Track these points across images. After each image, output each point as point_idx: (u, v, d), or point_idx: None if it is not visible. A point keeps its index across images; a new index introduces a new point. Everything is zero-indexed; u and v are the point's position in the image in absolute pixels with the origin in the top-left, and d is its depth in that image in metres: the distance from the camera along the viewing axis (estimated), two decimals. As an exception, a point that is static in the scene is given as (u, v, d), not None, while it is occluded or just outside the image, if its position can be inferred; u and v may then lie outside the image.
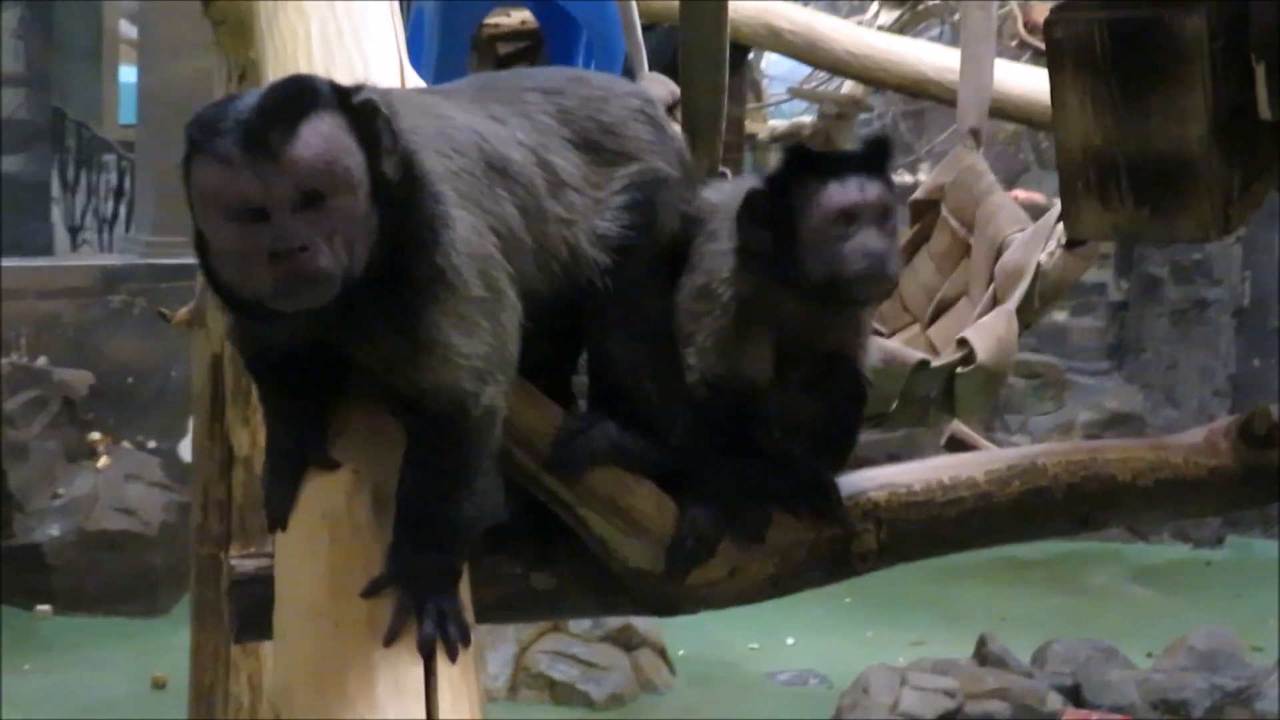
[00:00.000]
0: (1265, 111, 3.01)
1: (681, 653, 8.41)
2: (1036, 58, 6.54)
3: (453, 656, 2.07)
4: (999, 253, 5.13)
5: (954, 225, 5.37)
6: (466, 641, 2.10)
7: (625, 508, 2.40)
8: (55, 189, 12.96)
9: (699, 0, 4.46)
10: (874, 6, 10.74)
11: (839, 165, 2.47)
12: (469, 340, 2.08)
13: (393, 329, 2.07)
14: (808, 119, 12.21)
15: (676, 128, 2.60)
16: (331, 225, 1.96)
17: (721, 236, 2.50)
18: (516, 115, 2.29)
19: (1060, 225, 5.00)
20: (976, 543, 2.81)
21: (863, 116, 12.68)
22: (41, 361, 9.16)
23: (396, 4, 2.81)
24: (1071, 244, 5.04)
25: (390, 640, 2.05)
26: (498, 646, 7.86)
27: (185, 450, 9.40)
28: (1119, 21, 2.98)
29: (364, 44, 2.66)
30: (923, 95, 6.58)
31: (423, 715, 1.97)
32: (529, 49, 7.12)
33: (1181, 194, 3.01)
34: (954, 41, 7.98)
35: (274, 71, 2.70)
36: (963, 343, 4.74)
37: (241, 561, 2.41)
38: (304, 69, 2.63)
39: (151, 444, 9.27)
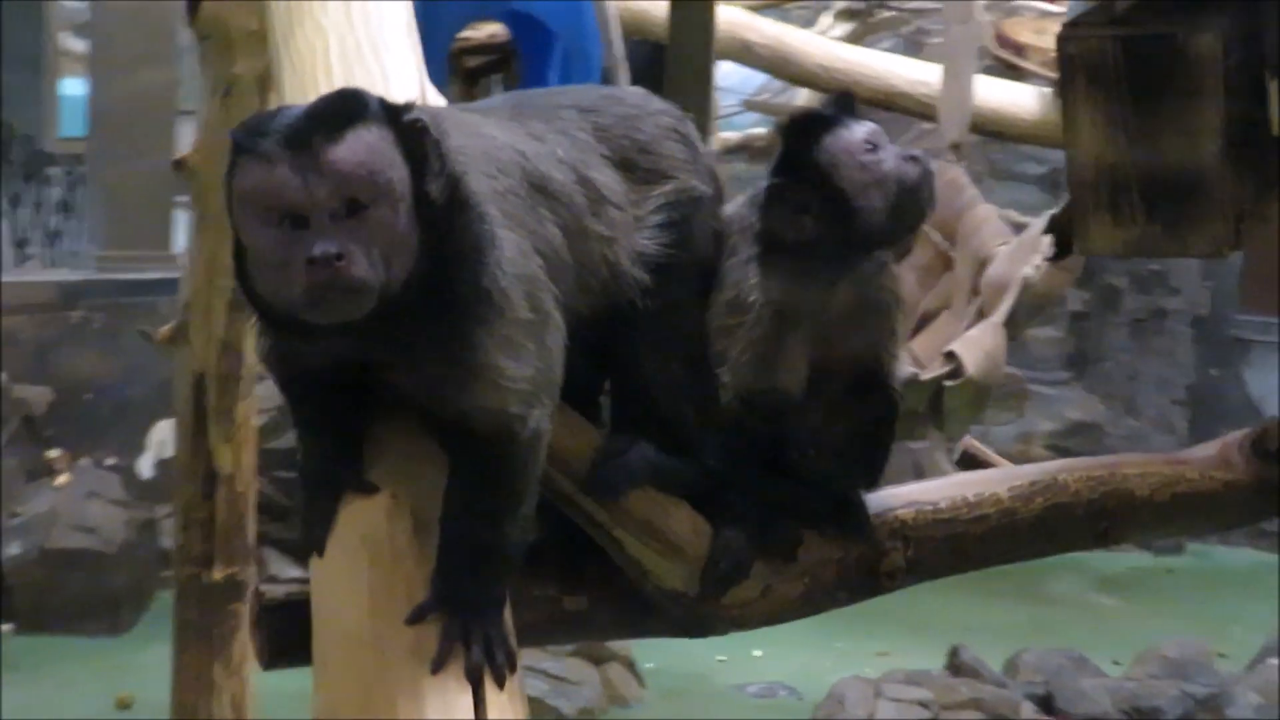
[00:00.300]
0: (1277, 128, 3.03)
1: (650, 666, 8.38)
2: (1005, 71, 6.56)
3: (500, 683, 2.05)
4: (983, 266, 5.17)
5: (936, 239, 5.40)
6: (513, 667, 2.08)
7: (661, 529, 2.38)
8: (3, 203, 12.83)
9: (687, 14, 4.49)
10: (826, 19, 10.76)
11: (826, 120, 2.48)
12: (516, 363, 2.05)
13: (438, 352, 2.04)
14: (761, 131, 12.22)
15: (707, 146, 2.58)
16: (372, 237, 1.93)
17: (740, 249, 2.49)
18: (555, 132, 2.27)
19: (1045, 238, 5.04)
20: (1001, 559, 2.80)
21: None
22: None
23: (413, 18, 2.78)
24: (1056, 257, 5.09)
25: (438, 668, 2.02)
26: (466, 662, 7.80)
27: (145, 467, 9.32)
28: (1132, 39, 2.99)
29: (384, 59, 2.63)
30: (895, 108, 6.60)
31: (474, 743, 1.96)
32: (498, 63, 7.09)
33: (1194, 210, 3.03)
34: (907, 54, 8.02)
35: (291, 87, 2.66)
36: (950, 356, 4.77)
37: (271, 587, 2.37)
38: (323, 84, 2.60)
39: (111, 461, 9.17)
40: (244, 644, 4.87)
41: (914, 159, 2.46)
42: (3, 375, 9.04)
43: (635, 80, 5.88)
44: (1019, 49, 6.38)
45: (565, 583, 2.46)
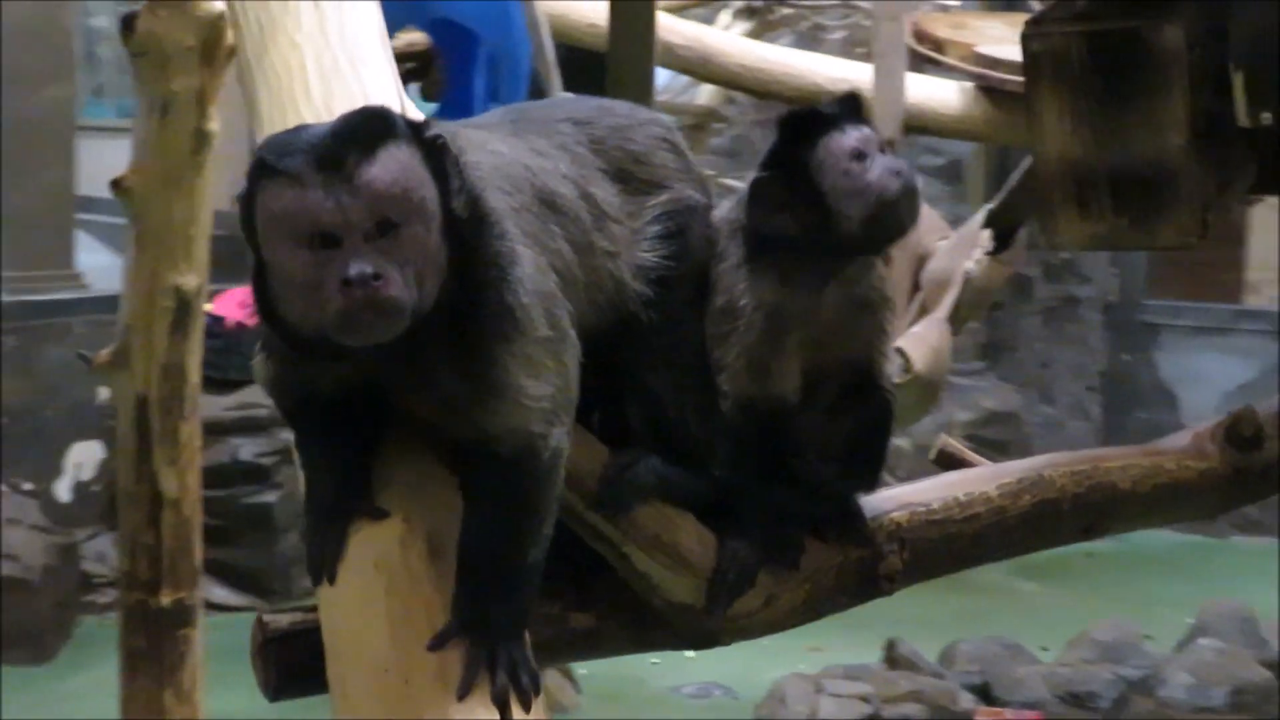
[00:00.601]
0: (1243, 119, 3.06)
1: (584, 671, 8.36)
2: (923, 67, 6.58)
3: (526, 707, 2.03)
4: (922, 262, 5.20)
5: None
6: (538, 690, 2.05)
7: (670, 543, 2.37)
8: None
9: (628, 17, 4.47)
10: (725, 18, 10.79)
11: (828, 117, 2.47)
12: (537, 381, 2.03)
13: (458, 371, 2.01)
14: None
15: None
16: (405, 256, 1.90)
17: (730, 253, 2.49)
18: (555, 148, 2.25)
19: (984, 233, 5.08)
20: (992, 556, 2.82)
21: (715, 126, 12.72)
22: (-87, 403, 8.90)
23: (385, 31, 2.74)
24: (995, 251, 5.13)
25: (464, 694, 1.99)
26: (401, 675, 7.74)
27: (63, 490, 9.17)
28: (1096, 34, 3.02)
29: (363, 74, 2.59)
30: (819, 106, 6.61)
31: (504, 767, 1.93)
32: (416, 70, 7.03)
33: (1161, 202, 3.06)
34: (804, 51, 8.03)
35: (269, 107, 2.62)
36: (898, 353, 4.79)
37: (275, 618, 2.34)
38: (302, 102, 2.56)
39: (28, 486, 9.01)
40: (194, 670, 4.80)
41: (898, 174, 2.45)
42: (-87, 402, 8.86)
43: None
44: (937, 44, 6.39)
45: (572, 601, 2.44)
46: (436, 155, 1.95)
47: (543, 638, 2.42)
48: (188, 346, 4.58)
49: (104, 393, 9.16)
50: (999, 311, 10.47)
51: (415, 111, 2.73)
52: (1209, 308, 11.18)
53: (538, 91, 5.78)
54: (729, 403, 2.44)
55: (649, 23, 4.46)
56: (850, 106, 2.47)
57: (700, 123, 11.50)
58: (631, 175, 2.34)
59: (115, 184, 4.42)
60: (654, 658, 8.58)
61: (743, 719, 7.32)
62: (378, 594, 2.09)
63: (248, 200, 1.94)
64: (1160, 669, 7.42)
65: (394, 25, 6.60)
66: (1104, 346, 10.78)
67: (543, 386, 2.03)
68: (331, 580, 2.15)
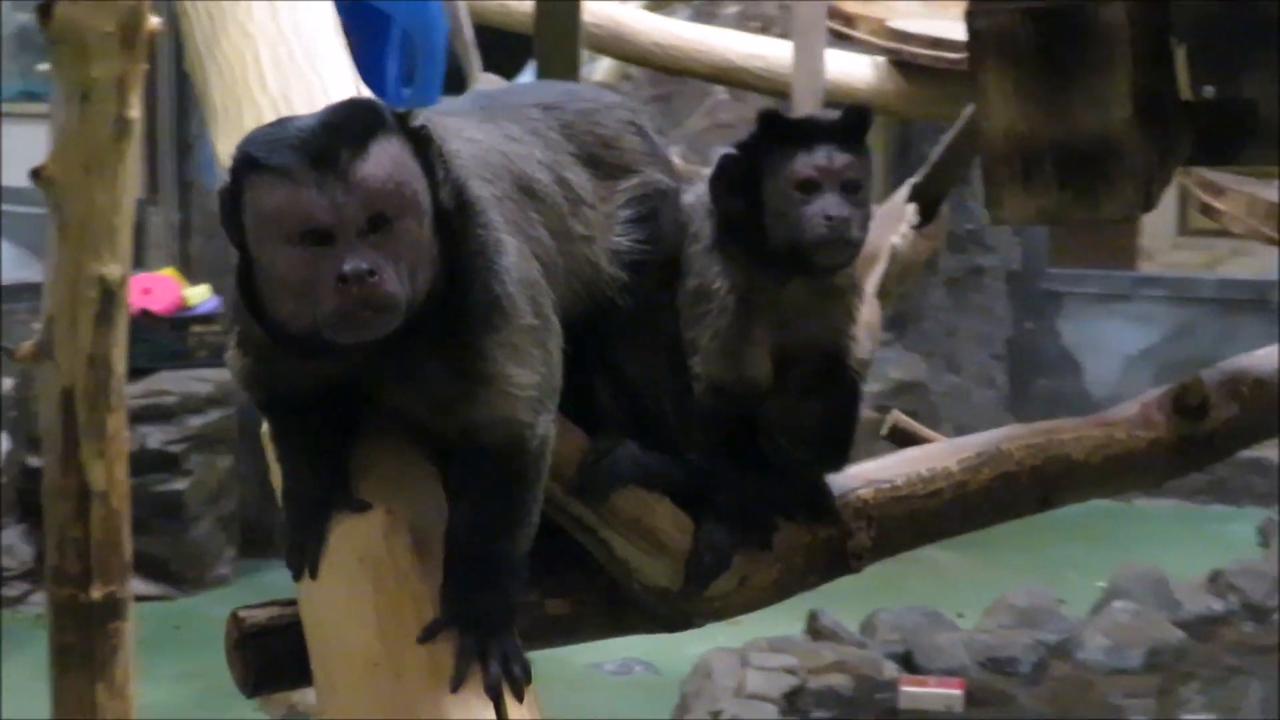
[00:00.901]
0: (1186, 92, 3.11)
1: (504, 652, 8.34)
2: (835, 42, 6.59)
3: (520, 697, 2.02)
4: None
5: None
6: (529, 679, 2.05)
7: (649, 528, 2.37)
8: None
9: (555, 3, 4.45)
10: (621, -7, 10.79)
11: (811, 133, 2.47)
12: (524, 370, 2.02)
13: (445, 363, 1.99)
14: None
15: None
16: (398, 251, 1.88)
17: (703, 235, 2.49)
18: (528, 133, 2.23)
19: (909, 207, 5.11)
20: (955, 531, 2.85)
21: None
22: None
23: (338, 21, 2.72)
24: (920, 224, 5.15)
25: (457, 686, 1.98)
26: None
27: (-31, 486, 8.99)
28: (1041, 11, 3.04)
29: (319, 65, 2.58)
30: (733, 83, 6.64)
31: (502, 759, 1.92)
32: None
33: (1106, 175, 3.09)
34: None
35: (221, 96, 2.59)
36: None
37: (251, 613, 2.31)
38: (259, 94, 2.54)
39: (-67, 481, 8.86)
40: (126, 664, 4.74)
41: (830, 220, 2.42)
42: None
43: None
44: (848, 19, 6.42)
45: (548, 588, 2.43)
46: (423, 146, 1.93)
47: (519, 626, 2.41)
48: (113, 337, 4.50)
49: (7, 383, 9.03)
50: (904, 283, 10.54)
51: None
52: (1109, 275, 11.32)
53: (456, 73, 5.75)
54: (701, 385, 2.44)
55: (575, 3, 4.45)
56: (849, 123, 2.47)
57: (597, 99, 11.50)
58: (601, 160, 2.33)
59: (35, 173, 4.33)
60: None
61: (666, 694, 7.34)
62: (363, 588, 2.08)
63: (232, 196, 1.91)
64: (1077, 633, 7.52)
65: None
66: (1008, 315, 10.89)
67: (530, 375, 2.03)
68: (314, 575, 2.13)
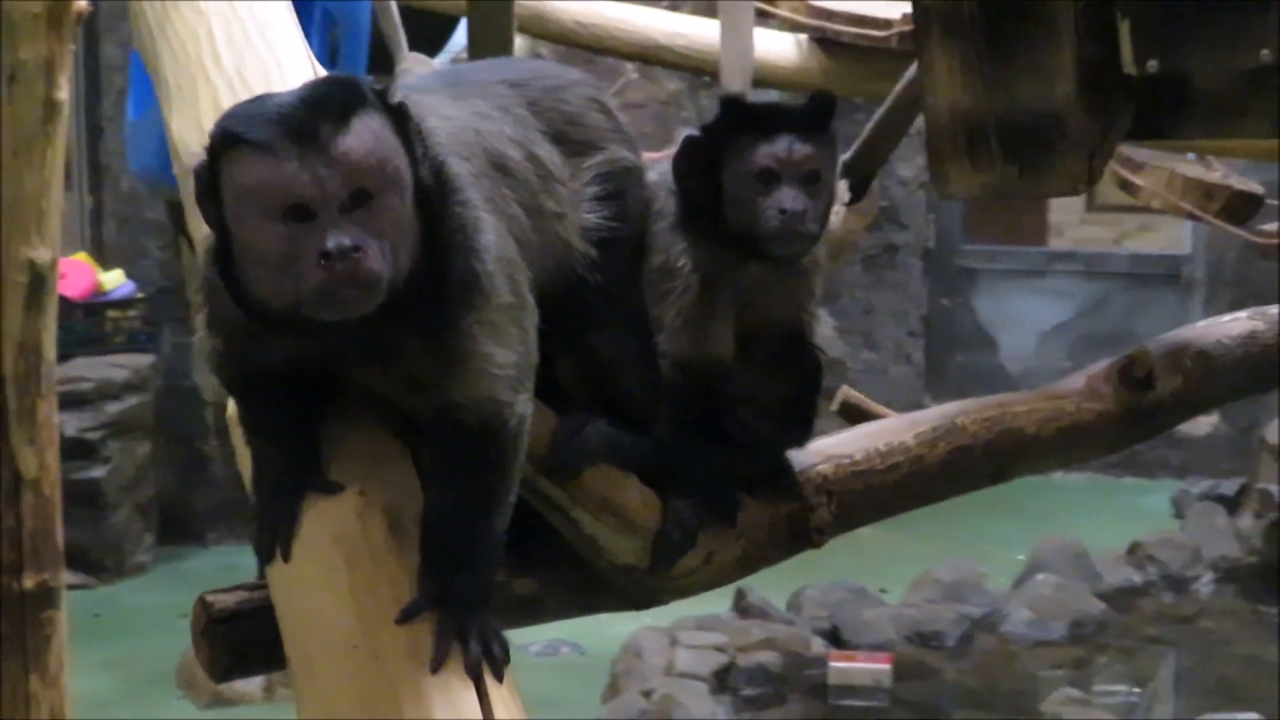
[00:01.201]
0: (1129, 66, 3.13)
1: (430, 634, 8.32)
2: (759, 19, 6.60)
3: (499, 676, 2.01)
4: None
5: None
6: (508, 659, 2.04)
7: (618, 505, 2.37)
8: None
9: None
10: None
11: (774, 122, 2.47)
12: (502, 348, 2.00)
13: (424, 341, 1.98)
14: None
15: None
16: (380, 227, 1.86)
17: (667, 213, 2.49)
18: (498, 110, 2.22)
19: (841, 183, 5.13)
20: (913, 504, 2.86)
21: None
22: None
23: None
24: (851, 201, 5.17)
25: (438, 667, 1.97)
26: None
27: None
28: (986, -13, 3.05)
29: (273, 43, 2.54)
30: (657, 62, 6.62)
31: (486, 739, 1.91)
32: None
33: (1050, 151, 3.10)
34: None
35: (174, 76, 2.56)
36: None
37: (219, 598, 2.27)
38: (213, 71, 2.51)
39: None
40: (60, 653, 4.68)
41: (784, 214, 2.44)
42: None
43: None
44: (769, -4, 6.43)
45: (514, 567, 2.42)
46: (402, 123, 1.91)
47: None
48: (43, 323, 4.42)
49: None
50: (822, 261, 10.59)
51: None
52: (1023, 251, 11.45)
53: (381, 53, 5.70)
54: (667, 362, 2.44)
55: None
56: (813, 111, 2.47)
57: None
58: (566, 136, 2.32)
59: (-39, 156, 4.25)
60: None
61: (594, 675, 7.34)
62: (339, 570, 2.05)
63: (209, 173, 1.88)
64: (1001, 606, 7.61)
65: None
66: (924, 292, 10.97)
67: (508, 354, 2.01)
68: (286, 558, 2.11)
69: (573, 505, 2.33)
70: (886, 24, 6.13)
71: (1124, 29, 3.09)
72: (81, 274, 8.97)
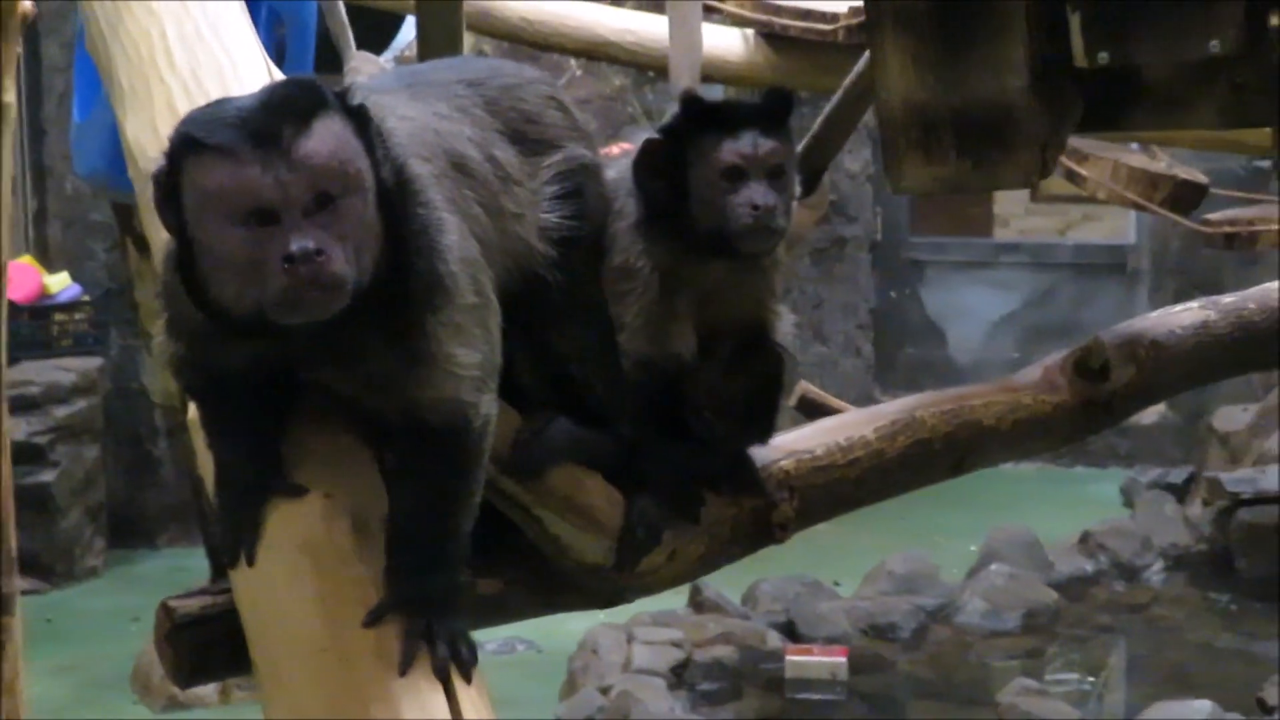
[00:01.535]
0: (1081, 59, 3.15)
1: (384, 634, 8.29)
2: (706, 14, 6.61)
3: (468, 678, 2.01)
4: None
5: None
6: (475, 660, 2.03)
7: (583, 504, 2.37)
8: None
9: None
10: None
11: (735, 118, 2.48)
12: (467, 349, 2.00)
13: (388, 344, 1.97)
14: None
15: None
16: (343, 230, 1.85)
17: (627, 212, 2.49)
18: (455, 110, 2.22)
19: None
20: (873, 498, 2.88)
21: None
22: None
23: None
24: (803, 195, 5.18)
25: (405, 669, 1.97)
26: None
27: None
28: (939, -19, 3.07)
29: (227, 43, 2.53)
30: (604, 58, 6.62)
31: (455, 741, 1.91)
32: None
33: (1004, 144, 3.12)
34: None
35: (127, 76, 2.54)
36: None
37: (183, 603, 2.26)
38: (166, 71, 2.49)
39: None
40: (15, 660, 4.65)
41: (756, 209, 2.46)
42: None
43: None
44: (716, -9, 6.43)
45: (478, 566, 2.41)
46: (363, 125, 1.90)
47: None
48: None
49: None
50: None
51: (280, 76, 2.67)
52: (969, 242, 11.49)
53: (330, 52, 5.67)
54: (628, 361, 2.44)
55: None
56: (771, 107, 2.48)
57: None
58: (525, 136, 2.32)
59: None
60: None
61: (551, 672, 7.34)
62: (305, 573, 2.05)
63: (169, 178, 1.87)
64: (955, 597, 7.64)
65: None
66: (872, 285, 11.01)
67: (472, 354, 2.01)
68: (250, 561, 2.10)
69: (536, 505, 2.33)
70: (833, 18, 6.15)
71: (1075, 22, 3.11)
72: (27, 277, 8.89)
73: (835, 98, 5.00)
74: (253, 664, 2.11)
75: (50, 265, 9.37)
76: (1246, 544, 8.01)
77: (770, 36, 6.35)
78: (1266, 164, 8.26)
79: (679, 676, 6.80)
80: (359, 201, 1.87)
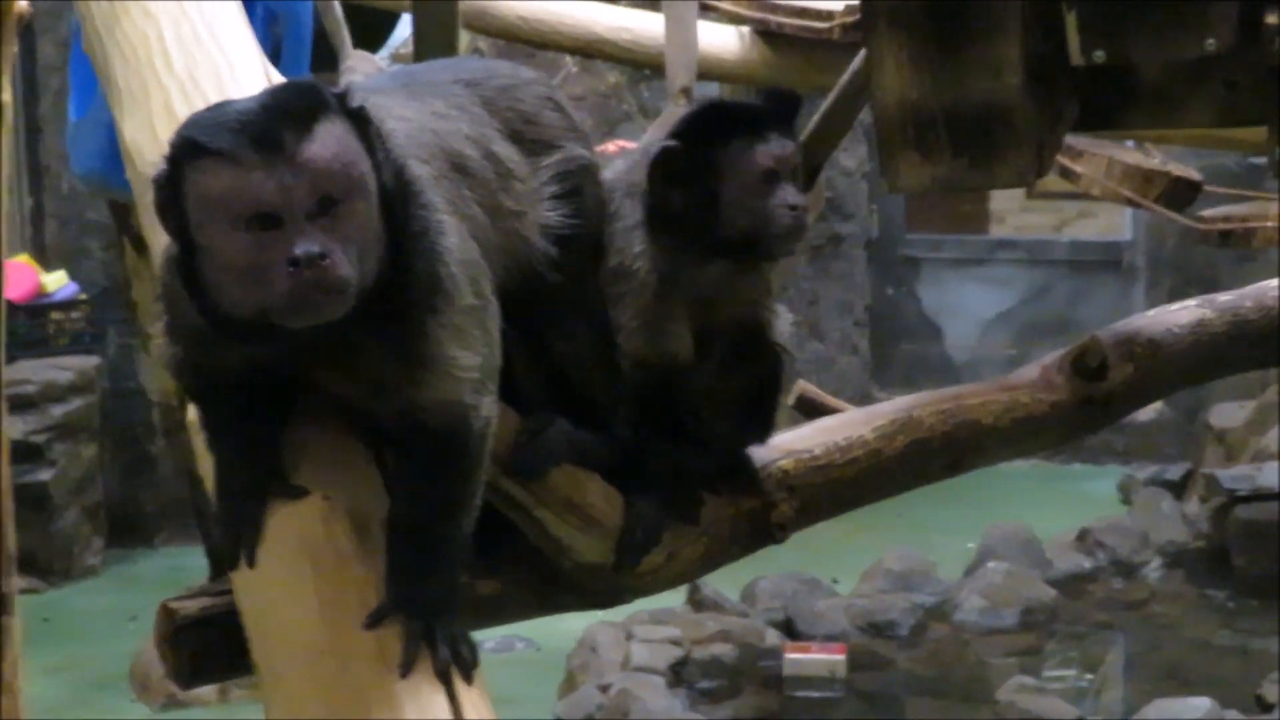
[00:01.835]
0: (1076, 57, 3.15)
1: (382, 633, 8.29)
2: (702, 12, 6.61)
3: (469, 679, 2.01)
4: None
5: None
6: (476, 661, 2.04)
7: (582, 505, 2.37)
8: None
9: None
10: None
11: (754, 121, 2.49)
12: (467, 352, 2.00)
13: (388, 346, 1.97)
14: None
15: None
16: (346, 233, 1.86)
17: (624, 214, 2.50)
18: (454, 109, 2.22)
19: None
20: (872, 498, 2.88)
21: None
22: None
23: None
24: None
25: (406, 670, 1.97)
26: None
27: None
28: (934, -21, 3.07)
29: (224, 45, 2.53)
30: (600, 56, 6.62)
31: (458, 743, 1.91)
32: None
33: (999, 142, 3.13)
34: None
35: (125, 77, 2.54)
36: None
37: (183, 604, 2.26)
38: (165, 74, 2.49)
39: None
40: (14, 659, 4.66)
41: (794, 210, 2.49)
42: None
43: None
44: (711, -12, 6.44)
45: (476, 567, 2.42)
46: (363, 127, 1.91)
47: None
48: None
49: None
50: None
51: (280, 79, 2.67)
52: (965, 239, 11.50)
53: (326, 51, 5.67)
54: (626, 362, 2.45)
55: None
56: (784, 109, 2.49)
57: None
58: (523, 136, 2.32)
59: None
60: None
61: (550, 670, 7.34)
62: (305, 575, 2.05)
63: (170, 182, 1.87)
64: (953, 594, 7.65)
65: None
66: (868, 282, 11.01)
67: (472, 356, 2.01)
68: (251, 563, 2.10)
69: (536, 505, 2.34)
70: (829, 16, 6.15)
71: (1070, 20, 3.12)
72: (23, 276, 8.89)
73: (831, 96, 4.99)
74: (254, 666, 2.11)
75: (47, 264, 9.37)
76: (1244, 541, 8.01)
77: (766, 34, 6.36)
78: (1261, 160, 8.27)
79: (678, 674, 6.81)
80: (361, 204, 1.87)
